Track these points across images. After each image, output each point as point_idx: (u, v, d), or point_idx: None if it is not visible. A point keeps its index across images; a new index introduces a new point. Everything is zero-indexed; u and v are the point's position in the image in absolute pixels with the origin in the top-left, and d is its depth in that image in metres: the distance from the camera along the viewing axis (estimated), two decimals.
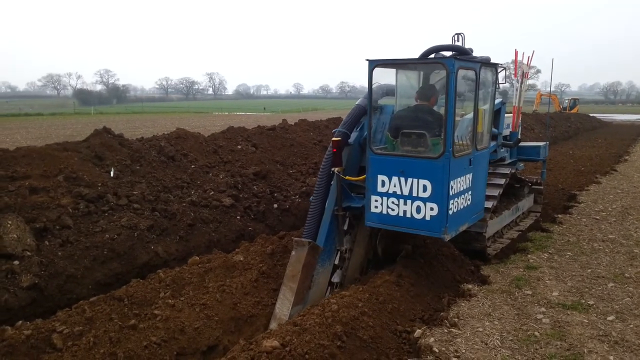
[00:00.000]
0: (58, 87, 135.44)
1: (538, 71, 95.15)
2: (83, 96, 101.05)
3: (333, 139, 6.40)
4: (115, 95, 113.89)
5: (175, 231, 7.54)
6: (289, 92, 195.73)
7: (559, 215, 9.40)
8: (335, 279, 6.51)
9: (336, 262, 6.55)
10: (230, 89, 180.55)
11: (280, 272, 6.43)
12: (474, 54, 6.47)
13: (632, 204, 10.36)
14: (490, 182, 8.59)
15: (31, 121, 42.81)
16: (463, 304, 5.41)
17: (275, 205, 9.36)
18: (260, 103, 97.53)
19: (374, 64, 5.93)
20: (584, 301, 5.41)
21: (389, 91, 7.05)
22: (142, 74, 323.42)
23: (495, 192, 8.34)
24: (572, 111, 46.55)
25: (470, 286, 5.86)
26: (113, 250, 6.68)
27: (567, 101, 51.33)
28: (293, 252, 6.15)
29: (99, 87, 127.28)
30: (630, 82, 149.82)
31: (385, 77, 7.04)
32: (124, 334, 4.98)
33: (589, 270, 6.42)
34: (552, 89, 17.87)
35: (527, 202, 10.27)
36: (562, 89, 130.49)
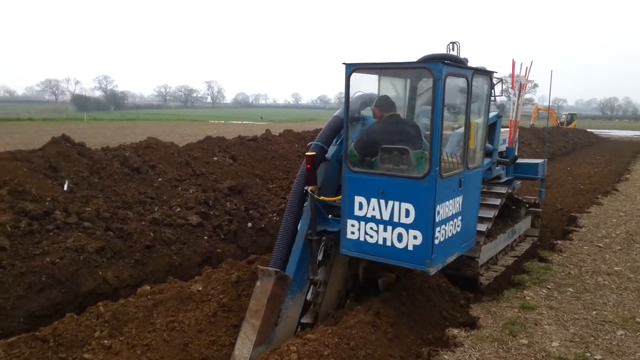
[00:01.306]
0: (56, 92, 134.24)
1: (535, 85, 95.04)
2: (81, 102, 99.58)
3: (307, 153, 5.65)
4: (113, 101, 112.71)
5: (130, 254, 6.72)
6: (288, 101, 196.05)
7: (558, 242, 8.58)
8: (306, 319, 5.71)
9: (308, 296, 5.77)
10: (229, 98, 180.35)
11: (244, 304, 5.63)
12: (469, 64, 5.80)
13: (638, 229, 9.53)
14: (485, 202, 7.88)
15: (20, 126, 41.94)
16: (446, 357, 4.56)
17: (250, 224, 8.56)
18: (258, 112, 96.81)
19: (351, 69, 5.22)
20: (589, 354, 4.55)
21: (370, 101, 6.30)
22: (141, 81, 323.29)
23: (490, 213, 7.61)
24: (569, 126, 45.99)
25: (456, 332, 5.02)
26: (53, 276, 5.85)
27: (564, 116, 50.82)
28: (258, 283, 5.38)
29: (97, 93, 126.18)
30: (626, 97, 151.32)
31: (369, 84, 6.32)
32: None
33: (594, 313, 5.58)
34: (549, 103, 17.30)
35: (524, 225, 9.52)
36: (559, 104, 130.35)
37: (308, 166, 5.59)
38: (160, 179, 8.60)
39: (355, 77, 5.33)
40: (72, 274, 6.00)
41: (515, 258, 8.42)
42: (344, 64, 5.29)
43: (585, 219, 10.36)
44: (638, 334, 5.02)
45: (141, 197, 7.92)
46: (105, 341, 4.72)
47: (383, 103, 5.73)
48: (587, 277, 6.74)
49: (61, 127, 40.42)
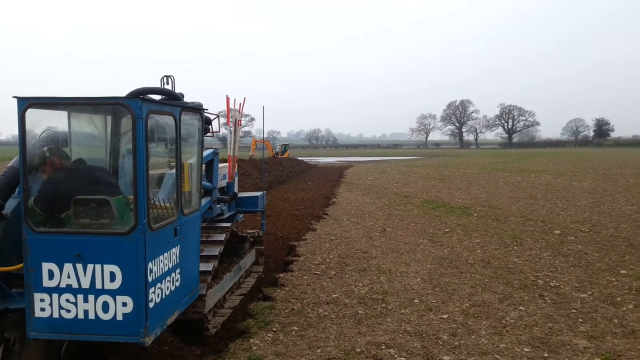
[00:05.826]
0: None
1: (252, 119, 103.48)
2: None
3: None
4: None
5: None
6: None
7: (280, 275, 8.73)
8: None
9: None
10: None
11: None
12: (186, 99, 5.38)
13: (347, 251, 10.51)
14: (209, 239, 7.48)
15: None
16: None
17: None
18: None
19: (24, 103, 4.16)
20: None
21: (60, 142, 5.22)
22: None
23: (215, 250, 7.23)
24: (283, 156, 50.71)
25: None
26: None
27: (279, 147, 55.82)
28: None
29: None
30: (327, 129, 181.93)
31: (57, 121, 5.23)
32: None
33: (319, 351, 5.54)
34: (265, 135, 18.60)
35: (249, 259, 9.48)
36: (274, 135, 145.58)
37: None
38: None
39: (36, 114, 4.37)
40: None
41: (242, 296, 8.22)
42: (14, 97, 4.21)
43: (303, 246, 10.96)
44: None
45: None
46: None
47: (57, 152, 4.84)
48: (310, 310, 6.87)
49: None
